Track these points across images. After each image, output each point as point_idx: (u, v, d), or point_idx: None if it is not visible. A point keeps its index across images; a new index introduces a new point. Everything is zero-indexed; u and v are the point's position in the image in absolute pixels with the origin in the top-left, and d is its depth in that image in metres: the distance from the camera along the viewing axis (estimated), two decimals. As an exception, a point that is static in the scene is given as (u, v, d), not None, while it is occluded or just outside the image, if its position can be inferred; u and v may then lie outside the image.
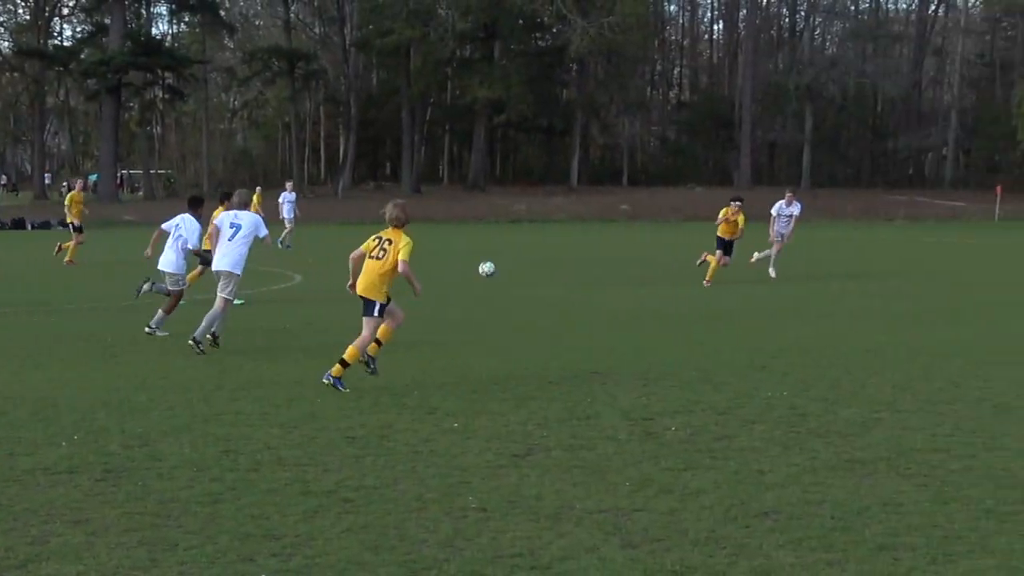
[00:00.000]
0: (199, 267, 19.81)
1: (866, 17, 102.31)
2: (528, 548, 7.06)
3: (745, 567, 6.75)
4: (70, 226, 32.28)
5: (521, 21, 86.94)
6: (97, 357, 14.84)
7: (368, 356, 12.52)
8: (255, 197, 35.22)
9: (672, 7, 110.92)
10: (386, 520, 7.62)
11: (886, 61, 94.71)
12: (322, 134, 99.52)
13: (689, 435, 10.12)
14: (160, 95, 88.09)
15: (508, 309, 12.81)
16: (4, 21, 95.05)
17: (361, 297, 12.46)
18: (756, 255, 27.62)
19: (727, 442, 9.86)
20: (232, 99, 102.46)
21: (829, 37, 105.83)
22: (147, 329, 16.61)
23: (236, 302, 19.22)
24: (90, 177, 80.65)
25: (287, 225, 40.08)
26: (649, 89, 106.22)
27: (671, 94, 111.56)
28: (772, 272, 26.96)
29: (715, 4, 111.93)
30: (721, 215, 25.77)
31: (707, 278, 25.24)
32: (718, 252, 25.56)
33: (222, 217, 16.32)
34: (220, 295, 15.52)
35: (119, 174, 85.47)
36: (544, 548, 7.07)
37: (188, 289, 17.98)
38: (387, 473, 8.85)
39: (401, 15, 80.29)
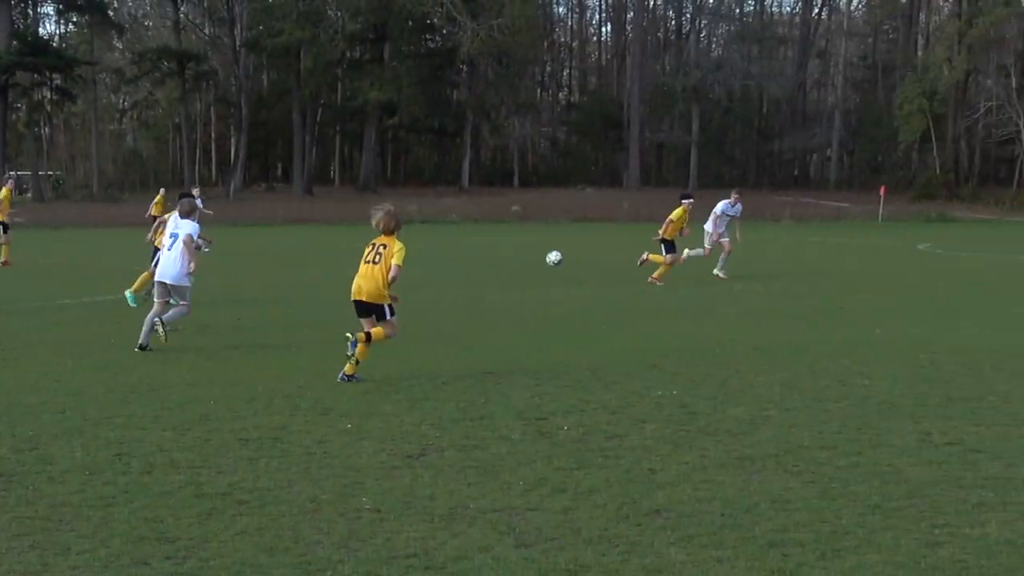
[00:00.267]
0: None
1: (751, 20, 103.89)
2: (422, 548, 7.11)
3: (637, 565, 6.84)
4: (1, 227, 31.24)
5: (411, 23, 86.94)
6: (-17, 361, 14.57)
7: (353, 351, 12.71)
8: (158, 198, 34.85)
9: (561, 9, 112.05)
10: (281, 522, 7.62)
11: (771, 63, 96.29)
12: (213, 135, 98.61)
13: (581, 434, 10.21)
14: (48, 96, 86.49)
15: (401, 311, 12.83)
16: None
17: (369, 304, 12.88)
18: (687, 252, 27.21)
19: (619, 441, 9.97)
20: (122, 100, 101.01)
21: (715, 39, 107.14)
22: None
23: (130, 303, 19.00)
24: None
25: None
26: (539, 90, 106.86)
27: (560, 95, 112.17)
28: (722, 273, 26.91)
29: (603, 6, 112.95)
30: (678, 215, 25.67)
31: (656, 276, 25.47)
32: (668, 256, 25.76)
33: (170, 223, 16.24)
34: (181, 303, 15.54)
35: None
36: (438, 548, 7.11)
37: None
38: (281, 474, 8.84)
39: (291, 16, 79.99)
